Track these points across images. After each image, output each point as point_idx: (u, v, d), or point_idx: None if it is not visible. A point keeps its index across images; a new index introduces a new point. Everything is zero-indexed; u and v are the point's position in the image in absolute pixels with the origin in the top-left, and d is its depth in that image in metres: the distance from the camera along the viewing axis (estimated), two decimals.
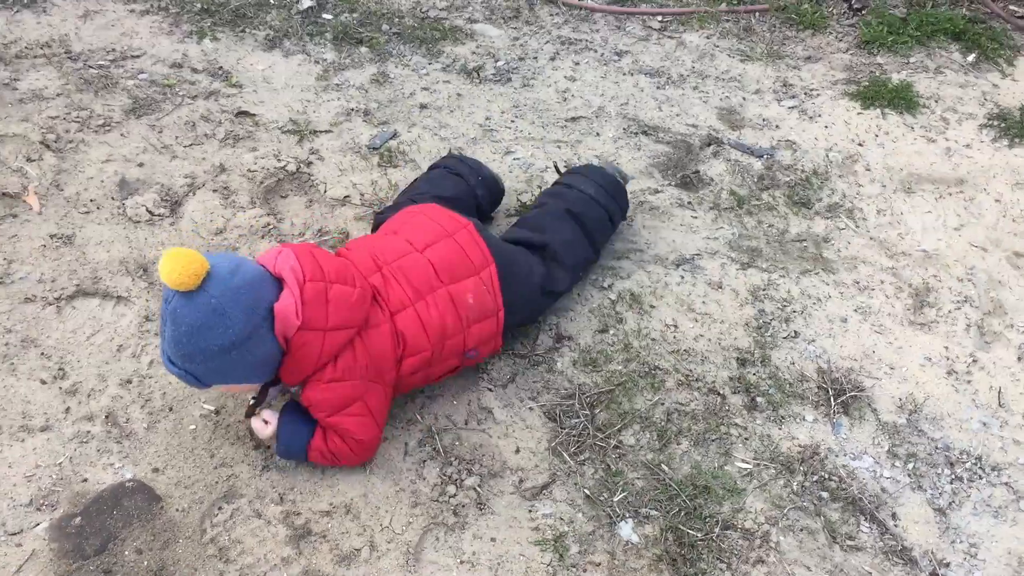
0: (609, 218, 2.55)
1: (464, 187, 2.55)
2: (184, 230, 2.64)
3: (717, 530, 2.07)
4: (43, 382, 2.25)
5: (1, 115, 2.91)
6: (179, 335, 1.79)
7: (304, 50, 3.41)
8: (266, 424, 2.07)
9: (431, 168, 2.67)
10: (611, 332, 2.47)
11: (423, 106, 3.21)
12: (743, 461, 2.21)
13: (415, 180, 2.63)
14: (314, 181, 2.85)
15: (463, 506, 2.11)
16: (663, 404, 2.31)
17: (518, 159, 3.00)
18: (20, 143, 2.82)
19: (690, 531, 2.06)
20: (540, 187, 2.84)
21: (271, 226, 2.67)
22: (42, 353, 2.30)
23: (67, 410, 2.21)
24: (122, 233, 2.61)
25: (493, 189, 2.65)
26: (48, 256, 2.52)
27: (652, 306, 2.55)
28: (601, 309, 2.53)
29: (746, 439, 2.26)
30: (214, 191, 2.76)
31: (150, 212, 2.67)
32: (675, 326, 2.50)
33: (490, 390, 2.32)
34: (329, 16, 3.60)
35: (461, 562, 2.02)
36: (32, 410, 2.21)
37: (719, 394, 2.34)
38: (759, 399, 2.33)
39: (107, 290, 2.45)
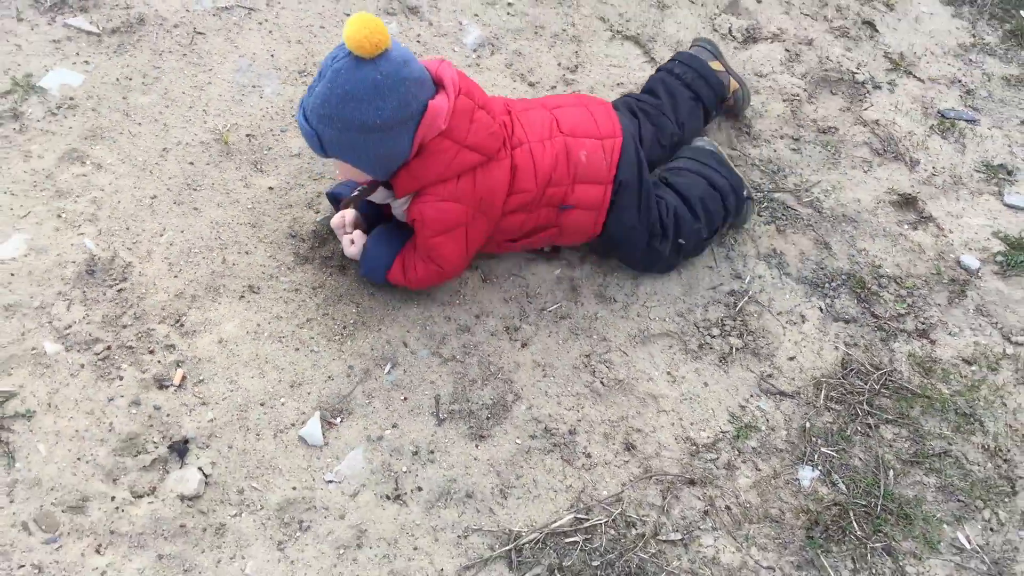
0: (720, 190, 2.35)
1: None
2: None
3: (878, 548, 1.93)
4: None
5: None
6: (331, 95, 1.82)
7: None
8: (352, 244, 2.17)
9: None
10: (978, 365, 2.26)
11: None
12: (965, 537, 1.98)
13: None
14: None
15: (710, 348, 2.21)
16: (950, 453, 2.11)
17: None
18: None
19: (854, 521, 1.96)
20: None
21: None
22: None
23: None
24: None
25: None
26: None
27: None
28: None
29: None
30: None
31: None
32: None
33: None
34: None
35: (670, 375, 2.16)
36: None
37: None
38: None
39: None
